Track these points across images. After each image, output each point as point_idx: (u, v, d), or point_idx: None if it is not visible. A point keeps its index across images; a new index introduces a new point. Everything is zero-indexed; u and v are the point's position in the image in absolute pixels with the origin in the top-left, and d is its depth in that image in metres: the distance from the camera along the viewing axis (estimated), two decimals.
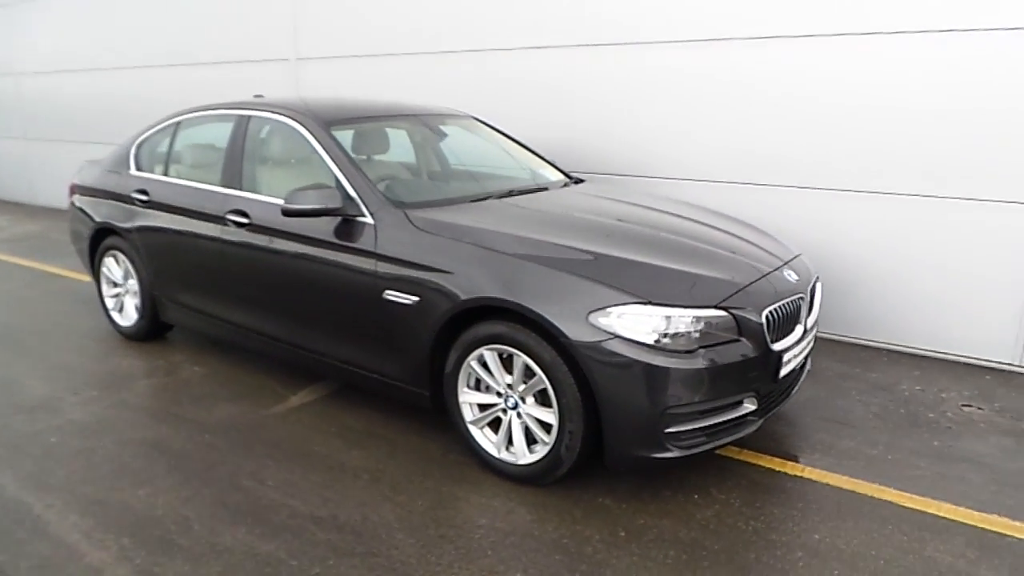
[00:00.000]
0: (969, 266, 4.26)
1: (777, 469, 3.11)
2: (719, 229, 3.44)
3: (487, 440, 3.06)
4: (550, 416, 2.82)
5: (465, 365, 3.00)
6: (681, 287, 2.75)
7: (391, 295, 3.15)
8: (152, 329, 4.66)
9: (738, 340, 2.73)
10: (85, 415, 3.67)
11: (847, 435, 3.41)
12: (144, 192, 4.40)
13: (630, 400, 2.61)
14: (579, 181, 4.27)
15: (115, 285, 4.82)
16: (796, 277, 3.13)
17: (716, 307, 2.71)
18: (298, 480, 3.04)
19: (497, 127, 4.69)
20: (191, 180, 4.20)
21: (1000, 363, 4.23)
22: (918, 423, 3.55)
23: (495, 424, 3.07)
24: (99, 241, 4.81)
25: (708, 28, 4.89)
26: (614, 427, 2.66)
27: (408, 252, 3.11)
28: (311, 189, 3.29)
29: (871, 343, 4.62)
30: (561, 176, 4.32)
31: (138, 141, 4.67)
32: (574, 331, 2.64)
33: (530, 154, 4.51)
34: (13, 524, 2.75)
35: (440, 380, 3.15)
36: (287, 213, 3.29)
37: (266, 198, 3.72)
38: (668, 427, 2.63)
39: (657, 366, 2.58)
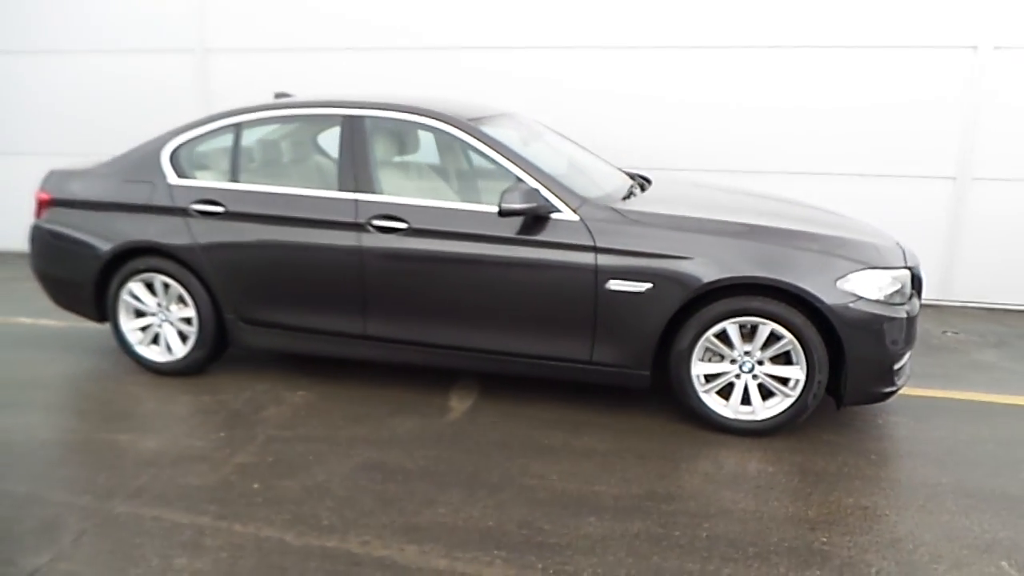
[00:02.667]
0: (897, 227, 5.57)
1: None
2: (819, 209, 4.16)
3: (720, 405, 3.43)
4: (792, 372, 3.30)
5: (702, 340, 3.35)
6: (879, 253, 3.39)
7: (616, 285, 3.36)
8: (209, 360, 4.10)
9: (916, 294, 3.47)
10: (249, 457, 3.25)
11: None
12: (213, 203, 3.87)
13: (873, 347, 3.22)
14: (645, 178, 4.57)
15: (140, 315, 4.13)
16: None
17: (905, 267, 3.42)
18: (573, 470, 3.13)
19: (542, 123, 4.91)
20: (289, 187, 3.82)
21: (933, 300, 5.62)
22: (936, 348, 4.67)
23: (721, 391, 3.45)
24: (116, 266, 4.06)
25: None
26: (859, 371, 3.25)
27: (635, 243, 3.35)
28: (515, 190, 3.35)
29: None
30: (620, 171, 4.66)
31: (173, 146, 4.04)
32: (829, 297, 3.17)
33: (584, 151, 4.80)
34: (349, 567, 2.50)
35: (661, 359, 3.45)
36: (505, 213, 3.33)
37: (432, 202, 3.60)
38: (894, 364, 3.29)
39: (891, 317, 3.22)
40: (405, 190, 3.73)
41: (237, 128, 3.99)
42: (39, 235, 4.26)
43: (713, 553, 2.56)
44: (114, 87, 6.67)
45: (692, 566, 2.49)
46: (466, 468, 3.15)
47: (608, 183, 4.03)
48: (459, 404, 3.79)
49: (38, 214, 4.28)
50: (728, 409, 3.43)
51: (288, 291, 3.84)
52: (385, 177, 3.77)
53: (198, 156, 4.07)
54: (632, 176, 4.47)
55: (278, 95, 4.60)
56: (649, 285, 3.33)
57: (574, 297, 3.43)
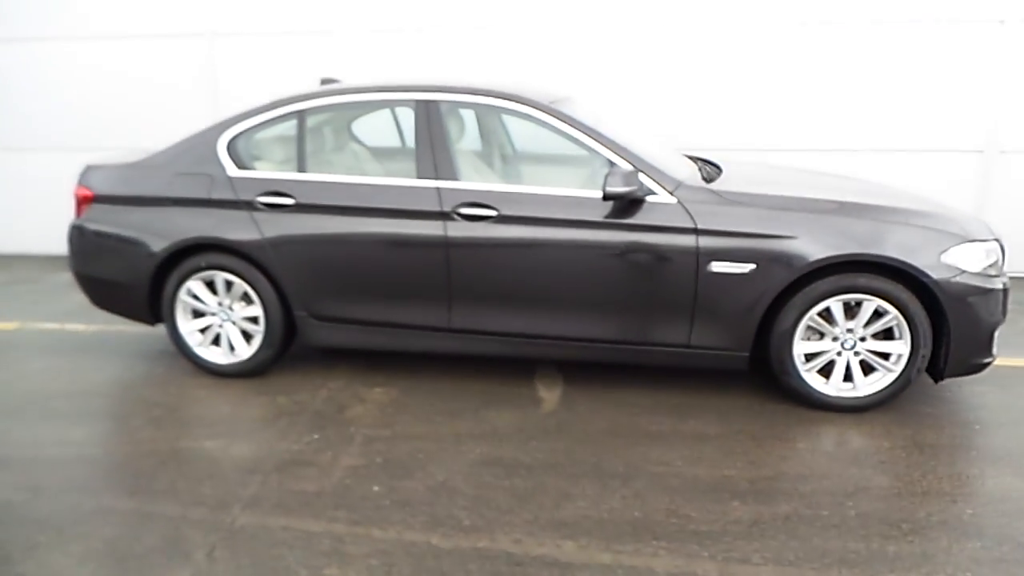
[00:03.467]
0: None
1: None
2: (890, 187, 4.17)
3: (820, 383, 3.44)
4: (896, 348, 3.33)
5: (805, 318, 3.34)
6: (969, 227, 3.42)
7: (719, 266, 3.32)
8: (276, 359, 3.93)
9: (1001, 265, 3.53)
10: (355, 459, 3.12)
11: None
12: (281, 194, 3.68)
13: (975, 320, 3.26)
14: (709, 161, 4.47)
15: (199, 315, 3.92)
16: None
17: (994, 239, 3.47)
18: (694, 455, 3.10)
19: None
20: (363, 176, 3.67)
21: None
22: None
23: (821, 369, 3.46)
24: (173, 264, 3.85)
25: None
26: (962, 343, 3.28)
27: (738, 224, 3.31)
28: (616, 173, 3.27)
29: None
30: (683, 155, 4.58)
31: (230, 135, 3.82)
32: (935, 272, 3.20)
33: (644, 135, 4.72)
34: (512, 567, 2.41)
35: (761, 339, 3.43)
36: (609, 197, 3.26)
37: (523, 188, 3.50)
38: (993, 335, 3.35)
39: (992, 289, 3.27)
40: (487, 176, 3.62)
41: (301, 115, 3.80)
42: (80, 234, 4.00)
43: (870, 531, 2.56)
44: (118, 75, 6.32)
45: (855, 545, 2.49)
46: (587, 459, 3.08)
47: (681, 167, 3.98)
48: (548, 394, 3.71)
49: (78, 212, 4.02)
50: (830, 387, 3.44)
51: (366, 285, 3.69)
52: (465, 163, 3.65)
53: (258, 146, 3.87)
54: (694, 159, 4.43)
55: (324, 81, 4.41)
56: (753, 266, 3.30)
57: (673, 280, 3.38)
